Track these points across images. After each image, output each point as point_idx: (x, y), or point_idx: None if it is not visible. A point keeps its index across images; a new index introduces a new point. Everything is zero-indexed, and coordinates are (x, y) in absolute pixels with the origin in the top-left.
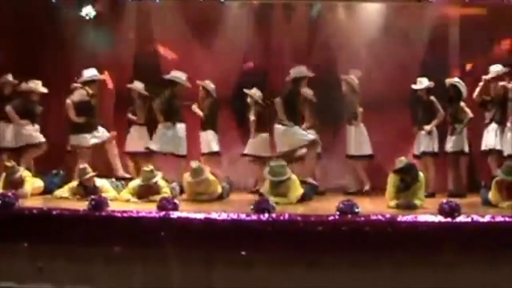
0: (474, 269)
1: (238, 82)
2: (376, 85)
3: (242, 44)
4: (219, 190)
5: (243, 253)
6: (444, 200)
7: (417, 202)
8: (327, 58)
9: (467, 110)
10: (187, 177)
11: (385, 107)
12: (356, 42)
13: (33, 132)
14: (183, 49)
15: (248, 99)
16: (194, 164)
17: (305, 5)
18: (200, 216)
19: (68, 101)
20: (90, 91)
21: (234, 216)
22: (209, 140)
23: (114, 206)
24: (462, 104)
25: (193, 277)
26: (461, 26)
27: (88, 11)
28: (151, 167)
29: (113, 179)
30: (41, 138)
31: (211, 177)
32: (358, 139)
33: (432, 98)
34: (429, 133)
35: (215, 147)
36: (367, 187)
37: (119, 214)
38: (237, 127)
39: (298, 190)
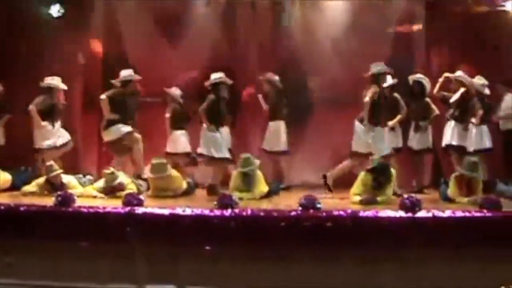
0: (435, 263)
1: (203, 79)
2: (340, 82)
3: (208, 41)
4: (184, 186)
5: (208, 247)
6: (406, 196)
7: (382, 197)
8: (292, 55)
9: (433, 107)
10: (148, 173)
11: (351, 104)
12: (321, 38)
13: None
14: (151, 47)
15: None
16: (154, 160)
17: (269, 3)
18: (165, 211)
19: (103, 96)
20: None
21: (198, 211)
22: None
23: (80, 202)
24: (427, 100)
25: (159, 271)
26: (426, 22)
27: (56, 9)
28: (111, 169)
29: (80, 175)
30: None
31: (175, 173)
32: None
33: (396, 95)
34: (392, 129)
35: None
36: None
37: (85, 210)
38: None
39: (262, 186)
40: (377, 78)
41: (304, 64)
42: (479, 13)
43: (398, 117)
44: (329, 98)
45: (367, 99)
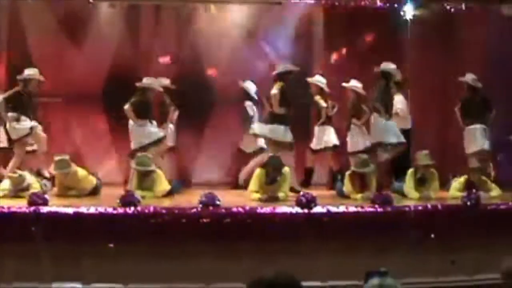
0: (330, 256)
1: (107, 80)
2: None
3: (111, 43)
4: (90, 185)
5: (111, 245)
6: (301, 193)
7: (281, 194)
8: (194, 58)
9: (323, 105)
10: (52, 169)
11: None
12: (222, 42)
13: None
14: (54, 48)
15: None
16: (57, 156)
17: (172, 7)
18: (69, 210)
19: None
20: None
21: (101, 209)
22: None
23: None
24: (316, 99)
25: (64, 270)
26: (325, 25)
27: None
28: (19, 172)
29: None
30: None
31: (81, 171)
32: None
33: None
34: None
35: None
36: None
37: None
38: (107, 122)
39: (163, 185)
40: (282, 77)
41: (206, 65)
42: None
43: None
44: (230, 98)
45: (274, 91)
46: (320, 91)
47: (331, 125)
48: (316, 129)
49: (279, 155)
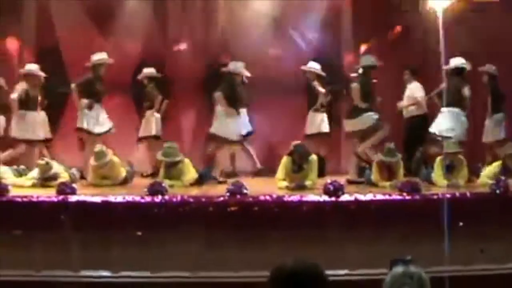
0: (358, 244)
1: (135, 69)
2: (271, 73)
3: (139, 33)
4: (123, 174)
5: (139, 233)
6: (329, 181)
7: (308, 183)
8: (221, 47)
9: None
10: (91, 161)
11: (280, 93)
12: (249, 31)
13: None
14: (83, 38)
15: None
16: (97, 147)
17: None
18: (97, 199)
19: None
20: None
21: (129, 198)
22: None
23: (14, 192)
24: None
25: (92, 258)
26: (353, 13)
27: None
28: (46, 159)
29: (15, 166)
30: None
31: (115, 160)
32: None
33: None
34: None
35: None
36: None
37: (19, 199)
38: (136, 112)
39: (191, 173)
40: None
41: (233, 54)
42: None
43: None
44: (257, 87)
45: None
46: (317, 77)
47: (325, 111)
48: (311, 114)
49: (304, 143)
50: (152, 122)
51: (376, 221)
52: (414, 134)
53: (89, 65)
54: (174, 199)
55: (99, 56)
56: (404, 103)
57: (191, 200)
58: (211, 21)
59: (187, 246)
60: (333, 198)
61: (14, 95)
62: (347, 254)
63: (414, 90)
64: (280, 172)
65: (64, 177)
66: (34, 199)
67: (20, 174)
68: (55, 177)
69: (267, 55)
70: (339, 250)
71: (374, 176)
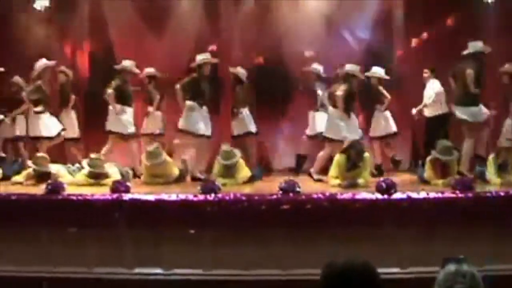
0: (410, 242)
1: (187, 70)
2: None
3: (192, 33)
4: (176, 172)
5: (192, 231)
6: (381, 178)
7: (361, 181)
8: (274, 47)
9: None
10: (144, 160)
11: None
12: (302, 30)
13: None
14: (136, 38)
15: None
16: (150, 147)
17: None
18: (151, 197)
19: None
20: None
21: (182, 196)
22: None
23: (69, 190)
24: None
25: (146, 255)
26: (405, 10)
27: (41, 3)
28: (97, 155)
29: (69, 164)
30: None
31: (168, 159)
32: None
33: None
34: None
35: None
36: None
37: (74, 197)
38: None
39: (245, 171)
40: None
41: (285, 53)
42: None
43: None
44: (310, 85)
45: (469, 70)
46: (318, 77)
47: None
48: (312, 114)
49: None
50: (154, 120)
51: (429, 219)
52: (434, 133)
53: (194, 65)
54: (227, 197)
55: (203, 56)
56: (425, 102)
57: (244, 198)
58: (263, 21)
59: (239, 244)
60: (385, 196)
61: (109, 91)
62: (399, 252)
63: (434, 89)
64: (333, 170)
65: (116, 176)
66: (89, 197)
67: (70, 173)
68: (106, 175)
69: (319, 54)
70: (391, 248)
71: (428, 173)
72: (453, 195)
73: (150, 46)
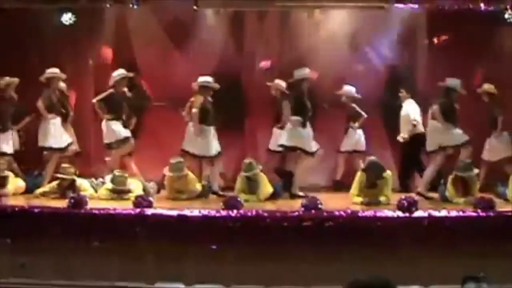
0: (431, 260)
1: None
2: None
3: (215, 49)
4: (199, 188)
5: (214, 247)
6: (403, 196)
7: (382, 198)
8: (297, 64)
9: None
10: (167, 172)
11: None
12: (326, 47)
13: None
14: (159, 53)
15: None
16: (173, 159)
17: (276, 13)
18: (173, 212)
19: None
20: None
21: (205, 212)
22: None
23: (92, 204)
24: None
25: (166, 269)
26: (428, 29)
27: (67, 17)
28: (121, 172)
29: (93, 179)
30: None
31: (191, 175)
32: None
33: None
34: None
35: None
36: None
37: (97, 211)
38: None
39: (267, 188)
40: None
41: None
42: None
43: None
44: (335, 103)
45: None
46: (282, 94)
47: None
48: (275, 130)
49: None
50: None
51: (450, 237)
52: (411, 154)
53: (291, 81)
54: (249, 214)
55: (302, 72)
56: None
57: (266, 214)
58: (287, 36)
59: (261, 260)
60: (407, 214)
61: (194, 109)
62: (420, 270)
63: (409, 109)
64: (355, 187)
65: (139, 190)
66: (112, 211)
67: (93, 187)
68: (129, 190)
69: (343, 71)
70: (412, 265)
71: (449, 191)
72: (474, 214)
73: (174, 60)
